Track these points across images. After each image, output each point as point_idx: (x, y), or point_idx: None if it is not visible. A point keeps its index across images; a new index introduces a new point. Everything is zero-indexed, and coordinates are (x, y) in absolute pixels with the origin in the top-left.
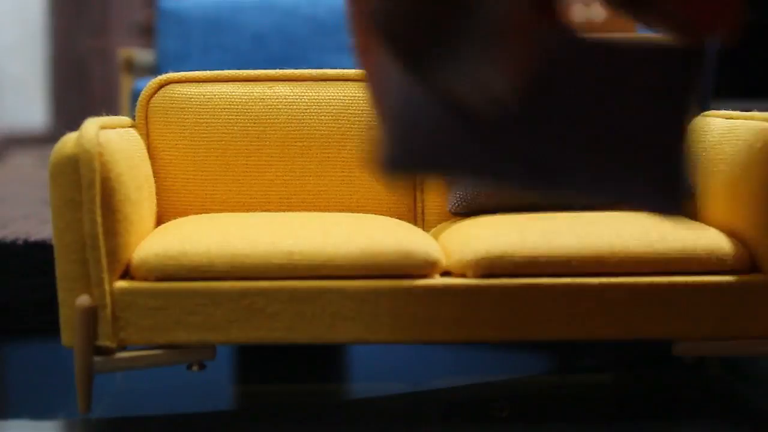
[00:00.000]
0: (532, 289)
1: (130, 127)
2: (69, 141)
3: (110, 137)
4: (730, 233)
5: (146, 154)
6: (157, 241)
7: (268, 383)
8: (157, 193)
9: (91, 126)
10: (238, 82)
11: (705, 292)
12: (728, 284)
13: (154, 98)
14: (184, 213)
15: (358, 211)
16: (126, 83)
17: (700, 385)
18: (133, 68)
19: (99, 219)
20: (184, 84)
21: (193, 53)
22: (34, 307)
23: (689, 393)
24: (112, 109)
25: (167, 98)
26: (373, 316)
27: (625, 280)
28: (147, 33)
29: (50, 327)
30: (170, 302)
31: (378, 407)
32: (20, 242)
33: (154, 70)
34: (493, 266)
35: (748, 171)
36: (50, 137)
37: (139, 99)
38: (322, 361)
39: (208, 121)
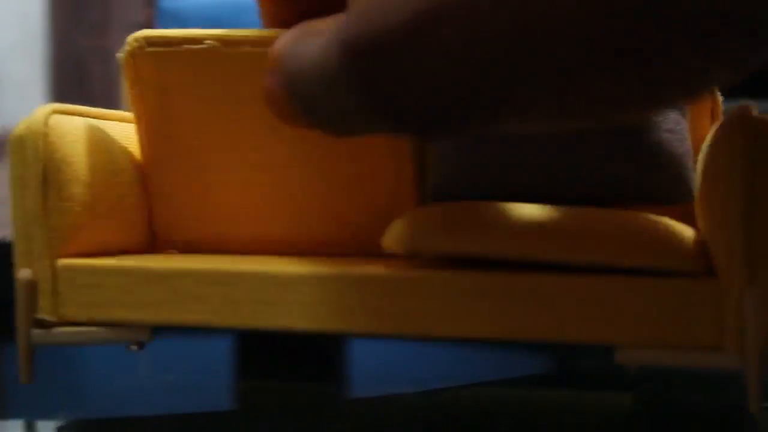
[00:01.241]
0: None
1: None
2: (22, 122)
3: (62, 120)
4: (693, 232)
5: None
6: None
7: (267, 383)
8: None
9: (42, 110)
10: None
11: (648, 295)
12: (677, 288)
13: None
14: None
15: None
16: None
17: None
18: None
19: (39, 197)
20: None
21: None
22: None
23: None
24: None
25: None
26: (297, 303)
27: (558, 278)
28: None
29: None
30: (106, 280)
31: (378, 407)
32: None
33: None
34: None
35: (705, 169)
36: None
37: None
38: (323, 360)
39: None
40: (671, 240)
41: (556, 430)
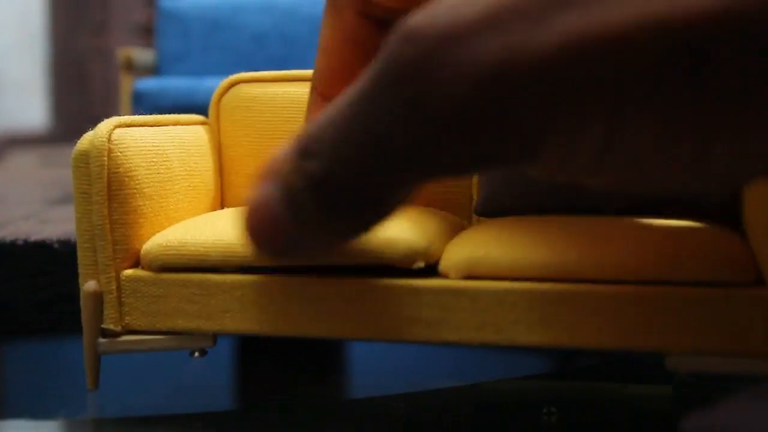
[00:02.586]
0: (512, 293)
1: (199, 124)
2: (85, 138)
3: (124, 134)
4: (743, 241)
5: (190, 150)
6: (167, 233)
7: (267, 383)
8: (222, 188)
9: (106, 124)
10: (300, 82)
11: (697, 304)
12: (724, 297)
13: (224, 97)
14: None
15: (412, 205)
16: (126, 83)
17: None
18: (133, 68)
19: (105, 210)
20: (251, 84)
21: (193, 53)
22: (34, 307)
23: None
24: (112, 109)
25: (235, 97)
26: (355, 313)
27: (609, 288)
28: (147, 33)
29: (50, 327)
30: (170, 291)
31: (380, 407)
32: (20, 242)
33: (154, 70)
34: (473, 268)
35: None
36: (50, 137)
37: (212, 98)
38: (325, 360)
39: (269, 119)
40: (720, 252)
41: (595, 420)
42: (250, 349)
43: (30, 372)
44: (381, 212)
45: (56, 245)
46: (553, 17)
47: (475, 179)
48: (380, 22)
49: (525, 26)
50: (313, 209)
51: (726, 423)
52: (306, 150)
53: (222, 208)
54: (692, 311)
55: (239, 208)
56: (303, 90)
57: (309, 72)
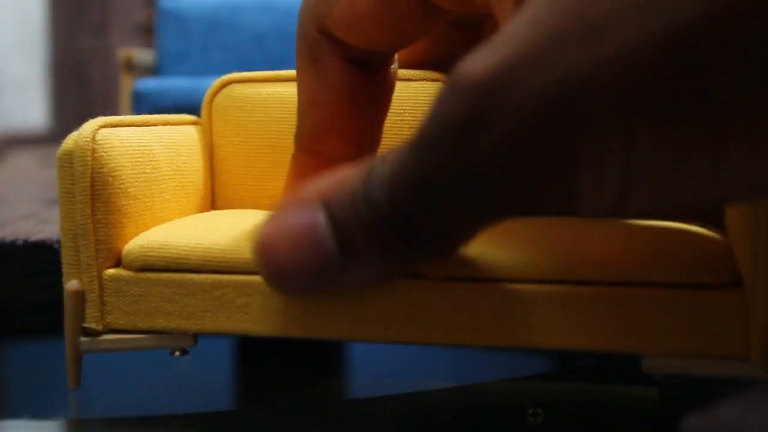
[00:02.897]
0: (484, 291)
1: (190, 124)
2: (70, 138)
3: (110, 134)
4: (724, 242)
5: (179, 150)
6: (149, 234)
7: (268, 383)
8: (214, 187)
9: (91, 123)
10: (293, 83)
11: (678, 305)
12: (703, 299)
13: (216, 97)
14: (237, 206)
15: None
16: (126, 83)
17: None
18: (133, 68)
19: (88, 210)
20: (243, 84)
21: (193, 53)
22: (34, 307)
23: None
24: (112, 109)
25: (227, 97)
26: (336, 312)
27: (588, 290)
28: (147, 33)
29: (50, 327)
30: (151, 290)
31: (376, 407)
32: (20, 242)
33: (154, 70)
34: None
35: None
36: (50, 137)
37: (204, 98)
38: (324, 360)
39: (261, 119)
40: (698, 253)
41: (585, 422)
42: (250, 349)
43: (30, 372)
44: (432, 255)
45: (56, 245)
46: (571, 49)
47: None
48: (364, 66)
49: (548, 60)
50: (366, 246)
51: (726, 422)
52: (365, 191)
53: (213, 208)
54: (669, 313)
55: (230, 211)
56: (296, 90)
57: None
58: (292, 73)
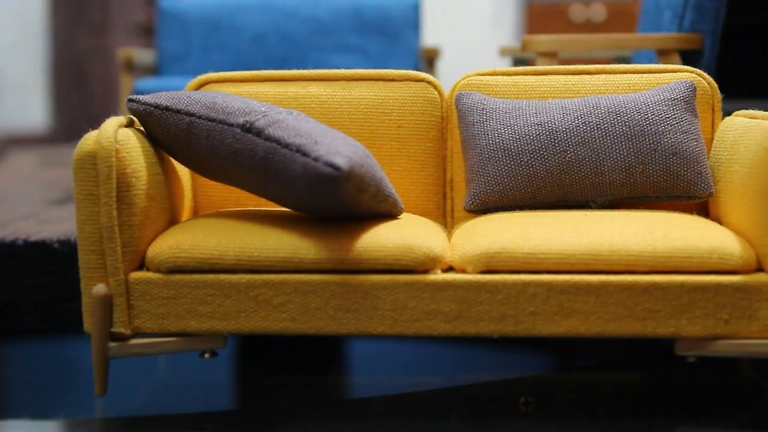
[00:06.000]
0: (530, 285)
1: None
2: (90, 138)
3: (129, 135)
4: (740, 233)
5: None
6: (172, 235)
7: (268, 383)
8: (195, 189)
9: (110, 124)
10: (273, 82)
11: (706, 292)
12: (730, 284)
13: None
14: (221, 207)
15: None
16: (126, 83)
17: (730, 386)
18: (133, 68)
19: (114, 212)
20: (222, 83)
21: (193, 53)
22: (34, 307)
23: (720, 394)
24: (112, 109)
25: None
26: (374, 309)
27: (624, 279)
28: (147, 33)
29: (50, 327)
30: (182, 292)
31: (381, 403)
32: (20, 242)
33: (154, 70)
34: (491, 262)
35: (756, 170)
36: (50, 137)
37: None
38: (329, 357)
39: None
40: (724, 242)
41: (573, 406)
42: (250, 349)
43: (30, 372)
44: None
45: (56, 245)
46: None
47: (448, 177)
48: None
49: None
50: None
51: None
52: None
53: (196, 209)
54: (700, 298)
55: (237, 211)
56: (274, 90)
57: (279, 72)
58: (270, 73)
